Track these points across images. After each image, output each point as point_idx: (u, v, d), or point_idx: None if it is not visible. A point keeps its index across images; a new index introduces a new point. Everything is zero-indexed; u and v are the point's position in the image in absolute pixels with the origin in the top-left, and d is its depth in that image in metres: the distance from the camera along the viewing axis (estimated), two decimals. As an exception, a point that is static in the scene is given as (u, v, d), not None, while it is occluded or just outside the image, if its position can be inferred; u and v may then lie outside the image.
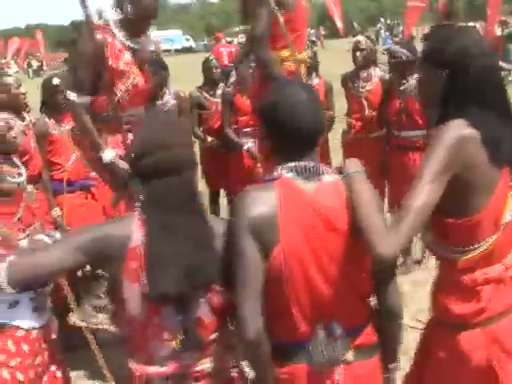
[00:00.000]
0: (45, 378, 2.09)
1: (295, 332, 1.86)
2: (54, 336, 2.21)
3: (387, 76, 5.32)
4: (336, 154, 5.86)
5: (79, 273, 2.68)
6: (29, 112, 4.31)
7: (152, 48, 5.45)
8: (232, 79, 5.88)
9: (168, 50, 34.21)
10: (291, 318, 1.84)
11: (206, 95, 5.94)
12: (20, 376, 1.99)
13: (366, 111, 5.36)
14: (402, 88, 4.93)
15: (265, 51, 3.72)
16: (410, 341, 2.59)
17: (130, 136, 3.17)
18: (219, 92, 5.92)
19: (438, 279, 2.10)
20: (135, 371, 1.93)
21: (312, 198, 1.82)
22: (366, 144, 5.29)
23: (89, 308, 3.14)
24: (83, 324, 2.86)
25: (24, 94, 4.11)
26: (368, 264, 1.87)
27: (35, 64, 34.08)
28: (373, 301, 1.97)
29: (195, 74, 7.41)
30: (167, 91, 5.20)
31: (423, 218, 1.82)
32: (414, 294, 4.32)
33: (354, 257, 1.84)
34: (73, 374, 2.75)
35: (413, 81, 4.83)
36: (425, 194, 1.81)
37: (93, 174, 4.82)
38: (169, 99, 5.14)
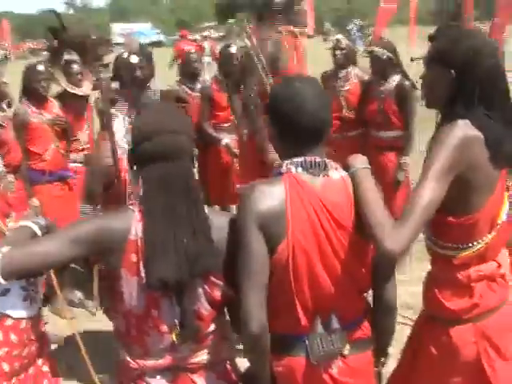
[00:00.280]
0: (30, 371, 2.04)
1: (294, 325, 1.88)
2: (43, 328, 2.17)
3: (366, 76, 5.38)
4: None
5: None
6: (9, 103, 4.22)
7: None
8: (211, 75, 5.88)
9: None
10: (292, 311, 1.86)
11: (186, 89, 5.91)
12: (5, 366, 1.94)
13: (344, 111, 5.41)
14: (381, 88, 4.99)
15: (256, 121, 3.81)
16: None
17: None
18: (198, 86, 5.90)
19: (432, 275, 2.15)
20: (130, 364, 1.91)
21: (319, 194, 1.84)
22: (343, 143, 5.32)
23: (63, 301, 3.10)
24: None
25: (5, 83, 4.03)
26: (369, 260, 1.89)
27: (1, 53, 33.28)
28: (368, 296, 2.00)
29: (164, 69, 7.36)
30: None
31: (428, 215, 1.85)
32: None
33: (357, 252, 1.86)
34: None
35: (392, 82, 4.92)
36: (430, 191, 1.85)
37: (71, 165, 4.79)
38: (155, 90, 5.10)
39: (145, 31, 44.35)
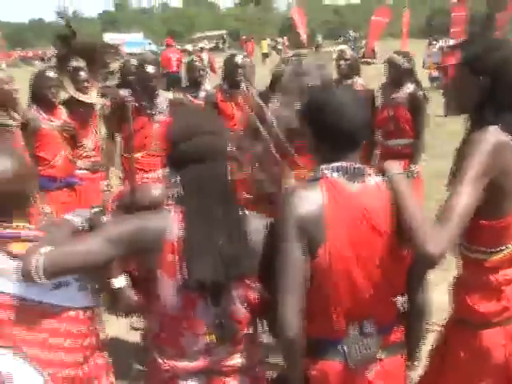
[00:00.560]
0: (91, 362, 1.99)
1: (330, 329, 1.88)
2: (98, 320, 2.13)
3: (369, 86, 5.43)
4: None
5: None
6: (17, 110, 4.19)
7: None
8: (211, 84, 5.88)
9: (134, 54, 33.71)
10: (328, 316, 1.86)
11: (189, 97, 5.91)
12: (69, 358, 1.89)
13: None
14: (393, 96, 5.03)
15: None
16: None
17: None
18: (202, 94, 5.91)
19: (462, 280, 2.17)
20: (162, 366, 1.90)
21: (357, 199, 1.84)
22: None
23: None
24: None
25: (16, 90, 4.01)
26: (405, 264, 1.91)
27: (-8, 61, 33.16)
28: (400, 300, 2.01)
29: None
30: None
31: (466, 220, 1.88)
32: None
33: (393, 257, 1.86)
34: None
35: (406, 90, 4.97)
36: (467, 196, 1.88)
37: (78, 171, 4.79)
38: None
39: (137, 41, 44.42)
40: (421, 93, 5.01)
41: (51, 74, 4.37)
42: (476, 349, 2.06)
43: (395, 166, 1.93)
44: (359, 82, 5.51)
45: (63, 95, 4.81)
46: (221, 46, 46.27)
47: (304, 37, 19.17)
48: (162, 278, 1.82)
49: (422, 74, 11.41)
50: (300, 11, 17.73)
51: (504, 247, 2.04)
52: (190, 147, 1.84)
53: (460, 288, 2.16)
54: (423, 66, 18.14)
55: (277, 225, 1.87)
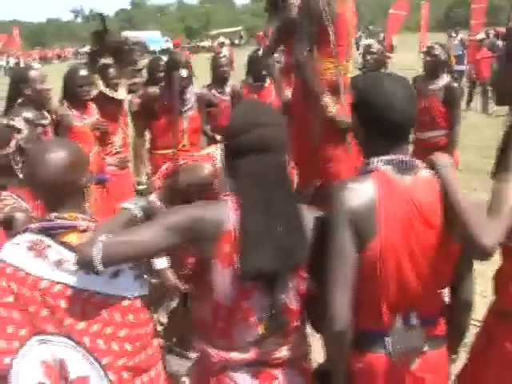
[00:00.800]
0: (149, 352, 2.01)
1: (376, 321, 1.89)
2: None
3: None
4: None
5: None
6: (49, 110, 4.23)
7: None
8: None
9: (153, 52, 33.86)
10: (375, 308, 1.87)
11: (215, 93, 5.93)
12: (128, 346, 1.91)
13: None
14: (430, 87, 5.03)
15: (306, 69, 3.60)
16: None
17: None
18: (228, 90, 5.93)
19: (506, 271, 2.16)
20: (211, 357, 1.93)
21: (409, 192, 1.84)
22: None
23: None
24: None
25: (49, 89, 4.05)
26: (454, 258, 1.91)
27: (12, 61, 33.52)
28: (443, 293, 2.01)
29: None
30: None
31: None
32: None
33: (444, 251, 1.87)
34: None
35: (442, 81, 4.99)
36: None
37: (108, 168, 4.84)
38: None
39: (155, 39, 44.66)
40: (456, 85, 5.01)
41: (83, 71, 4.41)
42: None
43: (444, 159, 1.93)
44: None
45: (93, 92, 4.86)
46: (237, 42, 46.28)
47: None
48: (217, 268, 1.84)
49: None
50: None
51: None
52: (248, 139, 1.86)
53: (503, 279, 2.15)
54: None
55: (329, 217, 1.87)
